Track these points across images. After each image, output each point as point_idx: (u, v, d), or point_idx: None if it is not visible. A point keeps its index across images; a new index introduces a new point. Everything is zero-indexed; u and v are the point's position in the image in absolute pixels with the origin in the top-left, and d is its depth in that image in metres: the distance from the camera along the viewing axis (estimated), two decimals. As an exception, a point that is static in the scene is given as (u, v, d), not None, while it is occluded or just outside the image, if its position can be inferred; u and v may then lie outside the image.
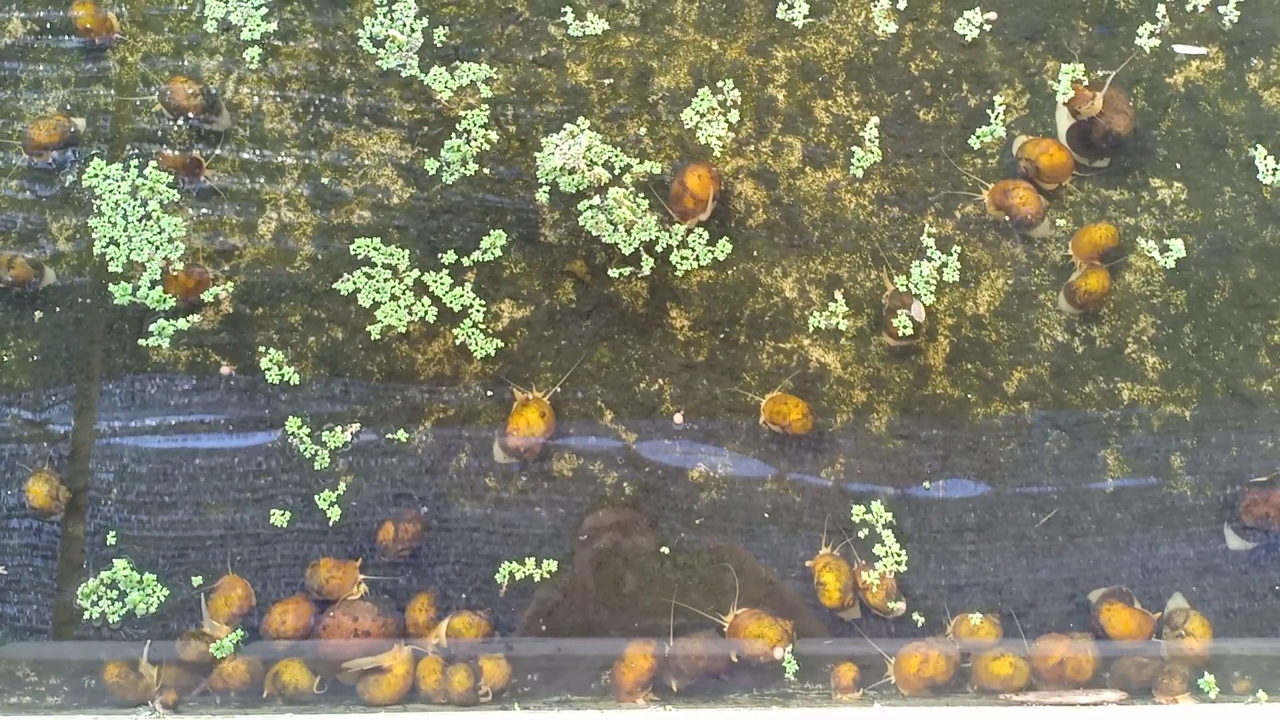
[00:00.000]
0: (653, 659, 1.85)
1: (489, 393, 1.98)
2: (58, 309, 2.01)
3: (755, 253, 2.04)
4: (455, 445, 1.97)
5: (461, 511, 1.95)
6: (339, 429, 1.97)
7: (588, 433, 1.98)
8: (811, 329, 2.01)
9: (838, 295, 2.02)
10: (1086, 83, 2.08)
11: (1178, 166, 2.10)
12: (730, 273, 2.04)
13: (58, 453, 1.97)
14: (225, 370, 1.98)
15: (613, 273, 2.01)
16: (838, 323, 2.01)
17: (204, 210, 2.05)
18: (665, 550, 1.93)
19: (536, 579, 1.92)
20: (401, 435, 1.97)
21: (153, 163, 2.04)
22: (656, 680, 1.87)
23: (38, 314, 2.01)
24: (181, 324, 1.99)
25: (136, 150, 2.06)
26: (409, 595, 1.92)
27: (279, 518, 1.94)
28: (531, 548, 1.93)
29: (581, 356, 2.01)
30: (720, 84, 2.09)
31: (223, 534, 1.94)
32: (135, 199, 2.03)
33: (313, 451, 1.96)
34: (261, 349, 1.99)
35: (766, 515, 1.95)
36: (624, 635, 1.89)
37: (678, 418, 1.98)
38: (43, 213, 2.05)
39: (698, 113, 2.08)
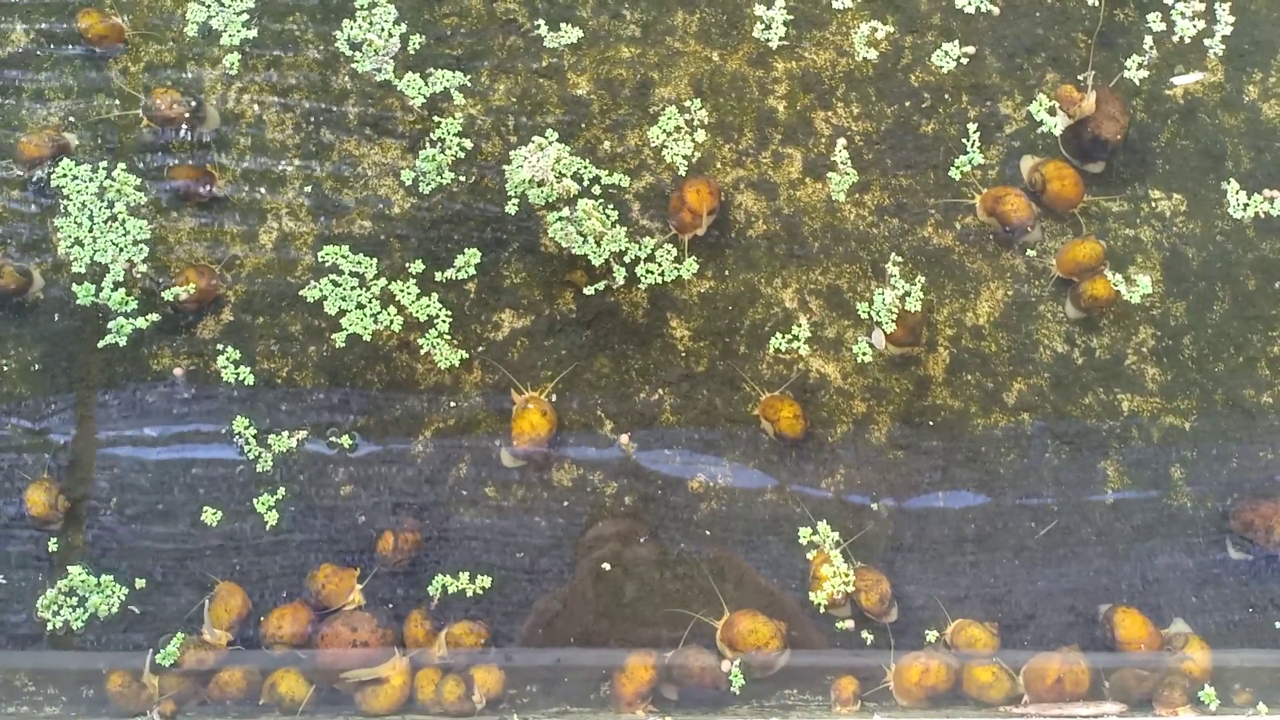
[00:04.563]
0: (653, 670, 1.85)
1: (453, 404, 1.98)
2: (56, 316, 2.02)
3: (755, 263, 2.05)
4: (455, 454, 1.97)
5: (461, 521, 1.95)
6: (285, 434, 1.96)
7: (587, 442, 1.98)
8: (772, 350, 2.01)
9: (802, 320, 2.02)
10: (1053, 106, 2.08)
11: (1177, 178, 2.10)
12: (730, 283, 2.04)
13: (57, 462, 1.97)
14: (178, 371, 1.98)
15: (588, 290, 2.01)
16: (799, 347, 2.01)
17: (204, 219, 2.06)
18: (606, 567, 1.92)
19: (470, 594, 1.91)
20: (345, 441, 1.96)
21: (121, 165, 2.05)
22: (656, 691, 1.86)
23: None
24: (140, 323, 1.99)
25: (143, 162, 2.07)
26: (408, 605, 1.91)
27: (211, 515, 1.94)
28: (531, 557, 1.93)
29: (581, 364, 2.01)
30: (689, 103, 2.10)
31: (220, 543, 1.94)
32: (102, 200, 2.04)
33: (256, 454, 1.96)
34: (220, 348, 2.00)
35: (765, 524, 1.95)
36: (624, 646, 1.89)
37: (623, 438, 1.97)
38: (43, 222, 2.05)
39: (664, 131, 2.09)
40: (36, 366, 2.00)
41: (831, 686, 1.88)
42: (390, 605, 1.91)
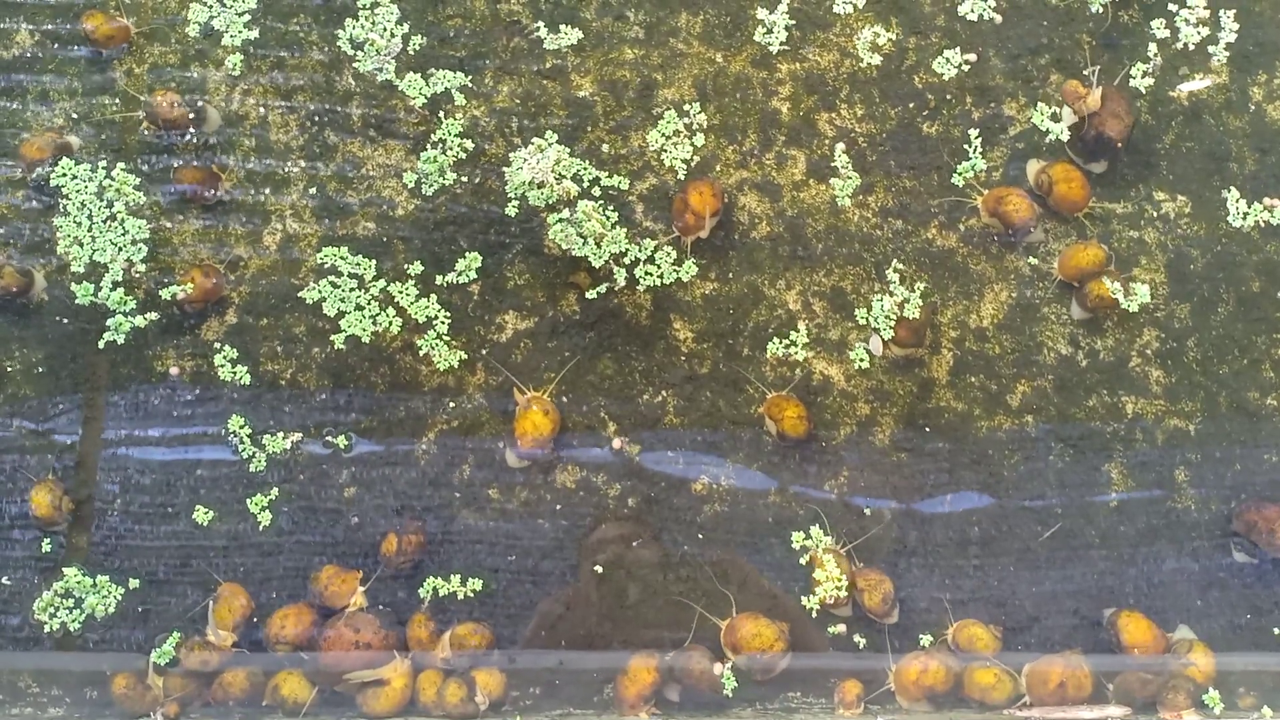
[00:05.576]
0: (655, 672, 1.85)
1: (455, 405, 1.98)
2: (60, 318, 2.02)
3: (758, 265, 2.05)
4: (458, 456, 1.97)
5: (465, 523, 1.95)
6: (280, 434, 1.97)
7: (591, 444, 1.98)
8: (769, 354, 2.01)
9: (800, 326, 2.01)
10: (1055, 113, 2.08)
11: (1182, 180, 2.10)
12: (733, 285, 2.04)
13: (62, 463, 1.97)
14: (174, 370, 1.99)
15: (590, 294, 2.01)
16: (796, 352, 2.00)
17: (208, 220, 2.06)
18: (598, 569, 1.92)
19: (460, 597, 1.91)
20: (341, 441, 1.97)
21: (121, 165, 2.05)
22: (658, 693, 1.86)
23: None
24: (139, 321, 1.99)
25: (146, 163, 2.07)
26: (411, 607, 1.91)
27: (203, 515, 1.94)
28: (534, 559, 1.93)
29: (584, 365, 2.01)
30: (687, 107, 2.10)
31: (225, 544, 1.94)
32: (101, 200, 2.04)
33: (250, 454, 1.96)
34: (217, 346, 2.00)
35: (769, 524, 1.95)
36: (627, 648, 1.89)
37: (616, 442, 1.97)
38: (45, 223, 2.05)
39: (663, 135, 2.09)
40: (40, 368, 2.00)
41: (835, 689, 1.88)
42: (383, 607, 1.91)
